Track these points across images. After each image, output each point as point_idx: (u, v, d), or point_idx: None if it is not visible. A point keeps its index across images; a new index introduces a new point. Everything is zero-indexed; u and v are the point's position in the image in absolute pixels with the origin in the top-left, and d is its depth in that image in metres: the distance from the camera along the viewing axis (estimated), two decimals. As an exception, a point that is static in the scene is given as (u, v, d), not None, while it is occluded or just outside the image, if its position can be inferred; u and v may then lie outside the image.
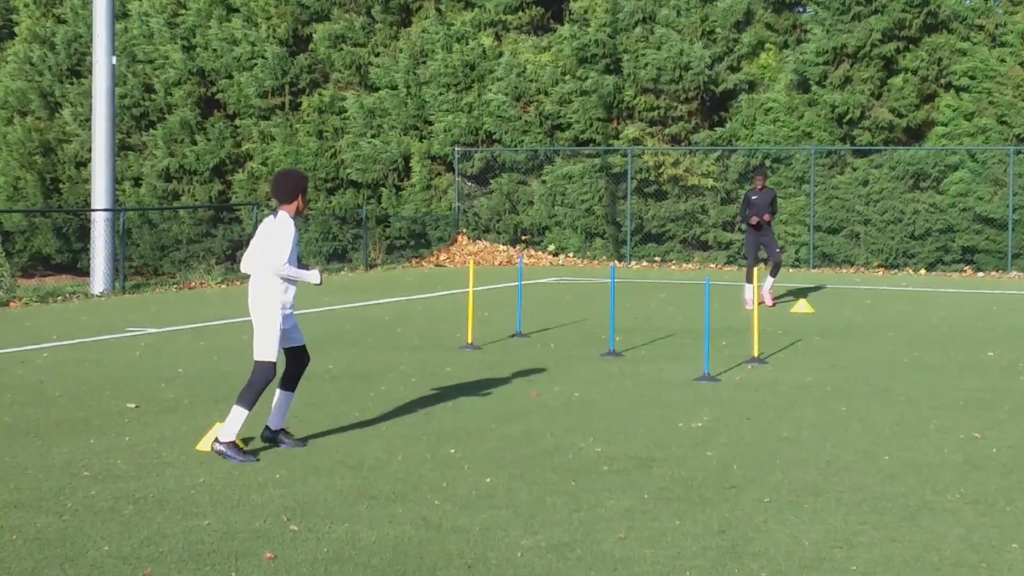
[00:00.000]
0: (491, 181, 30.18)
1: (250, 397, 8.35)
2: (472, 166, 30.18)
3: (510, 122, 29.54)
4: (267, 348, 8.42)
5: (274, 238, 8.38)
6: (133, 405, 10.31)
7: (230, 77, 31.66)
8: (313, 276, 8.54)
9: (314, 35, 31.21)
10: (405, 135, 30.63)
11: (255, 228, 25.96)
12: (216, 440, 8.32)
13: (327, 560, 6.10)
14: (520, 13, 30.34)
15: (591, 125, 29.04)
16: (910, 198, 26.72)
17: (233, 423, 8.30)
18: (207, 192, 32.10)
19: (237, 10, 31.81)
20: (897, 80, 26.93)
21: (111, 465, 8.12)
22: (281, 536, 6.50)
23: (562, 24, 30.19)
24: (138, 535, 6.50)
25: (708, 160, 28.20)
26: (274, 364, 8.46)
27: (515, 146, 29.69)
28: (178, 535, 6.50)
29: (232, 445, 8.27)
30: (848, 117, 27.04)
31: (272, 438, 8.69)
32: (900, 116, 27.00)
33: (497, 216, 30.02)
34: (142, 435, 9.10)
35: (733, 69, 28.46)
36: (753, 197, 18.57)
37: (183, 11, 32.38)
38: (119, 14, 32.05)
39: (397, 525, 6.71)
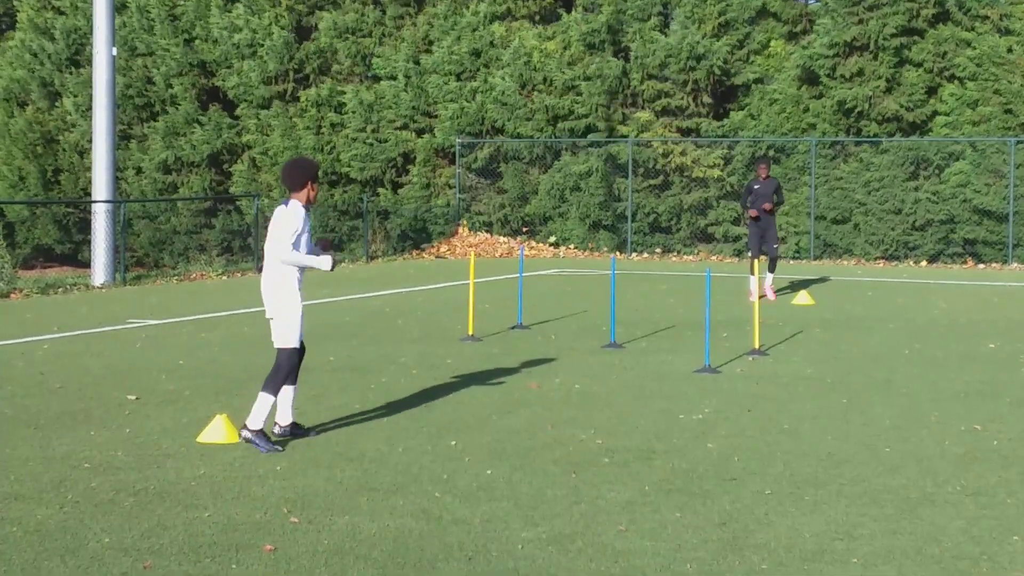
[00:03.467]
0: (494, 173, 30.14)
1: (275, 384, 8.45)
2: (475, 160, 30.13)
3: (514, 110, 29.52)
4: (290, 336, 8.52)
5: (279, 227, 8.41)
6: (134, 397, 10.31)
7: (230, 66, 31.59)
8: (323, 262, 8.54)
9: (319, 24, 31.16)
10: (404, 129, 30.60)
11: (256, 219, 26.06)
12: (244, 427, 8.40)
13: (327, 552, 6.10)
14: (530, 1, 30.34)
15: (595, 110, 29.00)
16: (911, 188, 26.68)
17: (260, 411, 8.40)
18: (203, 183, 32.05)
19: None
20: (905, 73, 26.90)
21: (112, 457, 8.12)
22: (281, 528, 6.50)
23: (569, 12, 30.16)
24: (139, 527, 6.50)
25: (715, 153, 28.18)
26: (297, 350, 8.55)
27: (518, 134, 29.63)
28: (178, 527, 6.50)
29: (260, 433, 8.36)
30: (857, 109, 27.01)
31: (288, 433, 8.67)
32: (909, 109, 26.97)
33: (499, 207, 30.00)
34: (143, 427, 9.10)
35: (744, 61, 28.47)
36: (756, 186, 18.56)
37: (182, 2, 32.31)
38: (118, 6, 32.01)
39: (398, 517, 6.71)
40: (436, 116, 30.32)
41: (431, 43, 30.56)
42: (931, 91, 27.24)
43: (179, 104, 32.02)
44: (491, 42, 29.94)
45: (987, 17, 26.71)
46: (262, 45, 30.99)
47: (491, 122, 29.92)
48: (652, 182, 28.83)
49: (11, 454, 8.20)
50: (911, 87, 26.81)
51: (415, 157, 30.62)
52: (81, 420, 9.35)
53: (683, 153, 28.36)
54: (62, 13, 33.92)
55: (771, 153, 27.81)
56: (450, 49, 29.98)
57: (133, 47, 32.38)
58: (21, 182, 33.81)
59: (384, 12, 31.21)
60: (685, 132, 28.88)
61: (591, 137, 29.14)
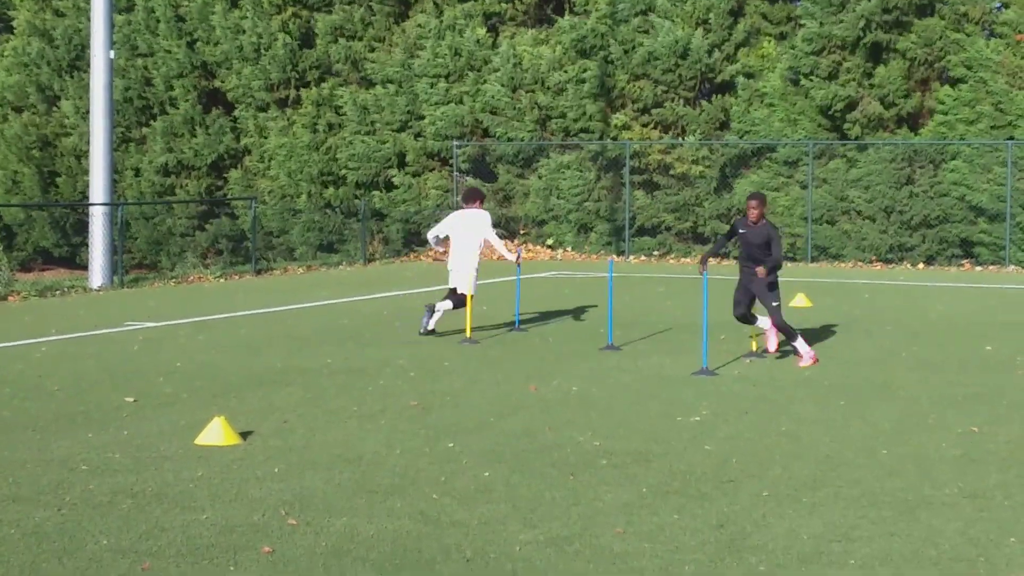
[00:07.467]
0: (489, 175, 30.15)
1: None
2: (467, 162, 30.15)
3: (504, 112, 29.53)
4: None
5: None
6: (131, 399, 10.31)
7: (230, 67, 31.57)
8: None
9: (315, 27, 31.18)
10: (400, 132, 30.61)
11: (253, 223, 26.09)
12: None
13: (325, 554, 6.10)
14: (515, 1, 30.37)
15: (584, 114, 29.03)
16: (906, 190, 26.67)
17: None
18: (200, 187, 32.02)
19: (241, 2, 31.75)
20: (883, 69, 26.87)
21: (109, 459, 8.12)
22: (279, 530, 6.50)
23: (562, 16, 30.19)
24: (136, 529, 6.50)
25: (697, 146, 28.23)
26: None
27: (509, 138, 29.60)
28: (176, 529, 6.50)
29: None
30: (833, 110, 27.04)
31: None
32: (890, 106, 26.95)
33: (495, 209, 30.02)
34: (140, 429, 9.11)
35: (730, 59, 28.49)
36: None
37: (186, 2, 32.26)
38: (123, 7, 32.00)
39: (396, 519, 6.71)
40: (425, 119, 30.33)
41: (421, 48, 30.55)
42: (919, 85, 27.21)
43: (178, 105, 31.99)
44: (477, 41, 29.91)
45: (967, 15, 26.67)
46: (267, 50, 30.96)
47: (477, 124, 29.91)
48: (637, 178, 28.83)
49: (9, 456, 8.20)
50: (891, 79, 26.75)
51: (408, 159, 30.64)
52: (79, 422, 9.35)
53: (666, 151, 28.40)
54: (62, 15, 33.83)
55: (759, 149, 27.96)
56: (434, 51, 29.99)
57: (135, 46, 32.32)
58: (16, 186, 33.76)
59: (374, 14, 31.21)
60: (666, 128, 28.90)
61: (581, 138, 29.14)
